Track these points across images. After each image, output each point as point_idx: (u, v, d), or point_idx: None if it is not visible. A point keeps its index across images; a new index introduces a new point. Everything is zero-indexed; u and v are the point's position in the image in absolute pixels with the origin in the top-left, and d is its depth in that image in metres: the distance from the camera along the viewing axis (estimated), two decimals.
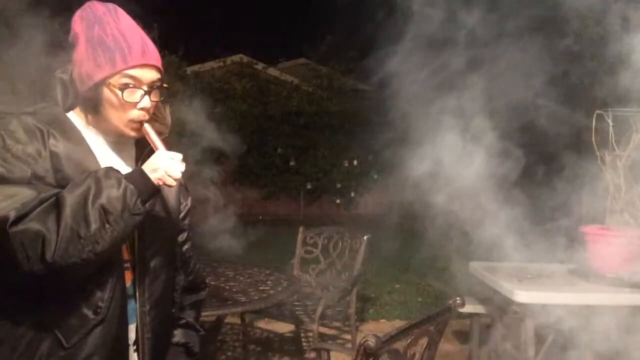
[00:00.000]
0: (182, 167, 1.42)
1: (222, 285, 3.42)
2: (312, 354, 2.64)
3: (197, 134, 2.76)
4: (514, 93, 2.91)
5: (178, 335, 1.73)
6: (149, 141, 1.47)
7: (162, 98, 1.52)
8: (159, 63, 1.49)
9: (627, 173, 3.24)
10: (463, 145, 2.95)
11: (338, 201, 12.36)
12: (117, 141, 1.54)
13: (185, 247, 1.77)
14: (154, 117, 1.55)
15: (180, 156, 1.43)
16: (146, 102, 1.45)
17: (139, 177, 1.38)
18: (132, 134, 1.48)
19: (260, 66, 13.49)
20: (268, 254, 7.11)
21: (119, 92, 1.42)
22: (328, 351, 2.69)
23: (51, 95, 1.50)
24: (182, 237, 1.75)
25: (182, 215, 1.73)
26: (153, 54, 1.47)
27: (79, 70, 1.44)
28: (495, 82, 2.87)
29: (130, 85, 1.43)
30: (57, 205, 1.28)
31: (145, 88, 1.45)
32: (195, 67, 12.68)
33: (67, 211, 1.27)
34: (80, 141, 1.45)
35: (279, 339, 4.65)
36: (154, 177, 1.39)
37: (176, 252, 1.70)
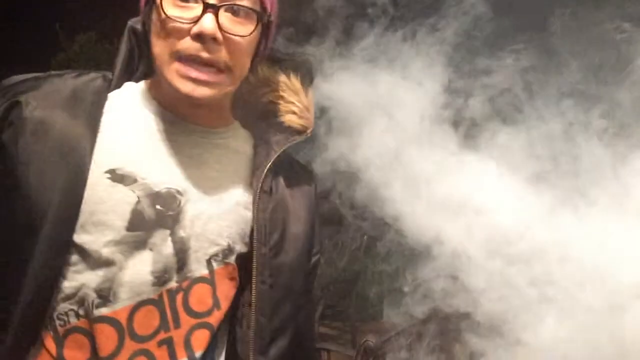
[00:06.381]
0: None
1: None
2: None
3: None
4: None
5: None
6: None
7: (251, 33, 0.92)
8: None
9: None
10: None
11: (338, 201, 12.33)
12: (199, 135, 0.98)
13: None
14: (288, 109, 1.04)
15: None
16: (208, 23, 0.88)
17: None
18: (181, 86, 0.89)
19: None
20: None
21: (165, 5, 0.89)
22: (328, 351, 2.69)
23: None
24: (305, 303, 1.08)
25: (309, 268, 1.09)
26: None
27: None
28: None
29: None
30: None
31: (211, 1, 0.88)
32: None
33: None
34: (90, 115, 0.92)
35: None
36: None
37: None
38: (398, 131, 1.16)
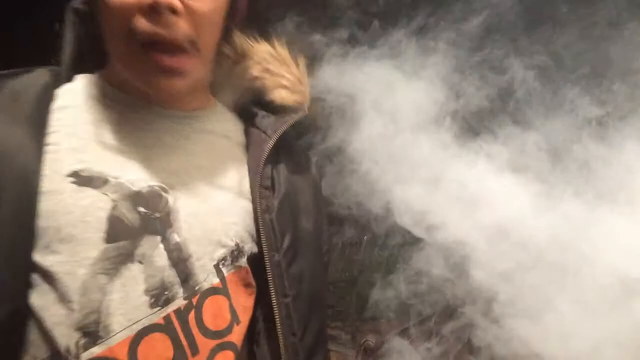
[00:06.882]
0: None
1: None
2: None
3: None
4: None
5: None
6: None
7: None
8: None
9: None
10: None
11: (337, 201, 12.33)
12: (176, 121, 0.81)
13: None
14: (277, 83, 0.86)
15: None
16: None
17: None
18: (138, 79, 0.76)
19: None
20: None
21: None
22: (328, 351, 2.68)
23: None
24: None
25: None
26: None
27: None
28: None
29: None
30: None
31: None
32: None
33: None
34: (34, 114, 0.76)
35: None
36: None
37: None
38: (398, 126, 1.15)
